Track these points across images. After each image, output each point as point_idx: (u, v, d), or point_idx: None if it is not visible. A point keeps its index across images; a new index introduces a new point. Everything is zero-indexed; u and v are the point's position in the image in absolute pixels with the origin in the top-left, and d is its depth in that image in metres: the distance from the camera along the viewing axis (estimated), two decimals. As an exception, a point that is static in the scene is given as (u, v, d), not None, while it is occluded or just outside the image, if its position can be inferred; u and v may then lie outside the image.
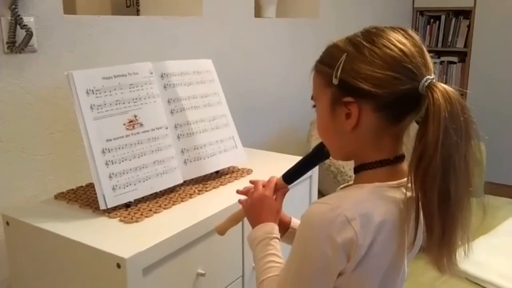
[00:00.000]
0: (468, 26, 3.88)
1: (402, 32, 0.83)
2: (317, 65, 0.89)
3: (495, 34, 3.73)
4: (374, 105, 0.81)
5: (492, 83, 3.72)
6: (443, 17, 4.00)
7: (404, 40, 0.81)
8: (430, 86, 0.78)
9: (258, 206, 1.04)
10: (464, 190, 0.80)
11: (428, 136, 0.76)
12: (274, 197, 1.06)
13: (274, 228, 1.00)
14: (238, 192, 1.13)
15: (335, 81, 0.82)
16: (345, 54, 0.82)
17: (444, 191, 0.78)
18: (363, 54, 0.81)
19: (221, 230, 1.13)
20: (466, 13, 3.89)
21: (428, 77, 0.79)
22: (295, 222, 1.12)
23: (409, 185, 0.81)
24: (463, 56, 3.95)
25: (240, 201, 1.10)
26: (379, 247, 0.81)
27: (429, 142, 0.76)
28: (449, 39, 4.00)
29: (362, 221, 0.79)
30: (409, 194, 0.84)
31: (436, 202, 0.78)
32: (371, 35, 0.83)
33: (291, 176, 1.08)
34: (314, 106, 0.91)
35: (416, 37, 0.84)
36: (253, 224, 1.03)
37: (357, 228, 0.78)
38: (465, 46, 3.92)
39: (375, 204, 0.82)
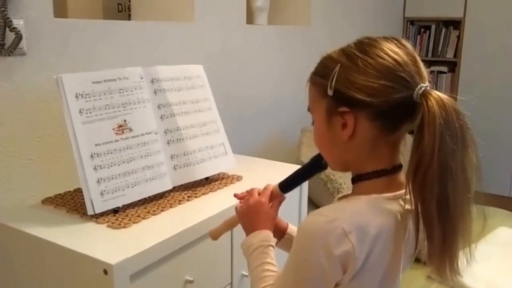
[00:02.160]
0: (458, 36, 3.92)
1: (395, 41, 0.84)
2: (312, 76, 0.89)
3: (484, 44, 3.77)
4: (369, 114, 0.81)
5: (481, 93, 3.76)
6: (433, 27, 4.04)
7: (397, 50, 0.82)
8: (425, 94, 0.79)
9: (253, 213, 1.03)
10: (463, 197, 0.80)
11: (424, 144, 0.77)
12: (270, 204, 1.05)
13: (269, 235, 1.00)
14: (235, 195, 1.12)
15: (329, 92, 0.83)
16: (339, 64, 0.83)
17: (443, 198, 0.78)
18: (356, 64, 0.82)
19: (215, 235, 1.12)
20: (456, 24, 3.93)
21: (422, 85, 0.80)
22: (292, 228, 1.12)
23: (407, 196, 0.81)
24: (452, 66, 3.99)
25: (235, 208, 1.09)
26: (374, 259, 0.81)
27: (425, 149, 0.77)
28: (439, 49, 4.03)
29: (358, 234, 0.79)
30: (407, 206, 0.84)
31: (435, 210, 0.78)
32: (364, 45, 0.84)
33: (288, 185, 1.07)
34: (312, 121, 0.92)
35: (409, 46, 0.84)
36: (248, 231, 1.02)
37: (354, 241, 0.78)
38: (454, 56, 3.96)
39: (371, 216, 0.82)
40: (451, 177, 0.78)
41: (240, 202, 1.08)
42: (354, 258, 0.78)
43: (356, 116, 0.82)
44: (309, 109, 0.92)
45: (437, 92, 0.79)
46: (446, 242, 0.80)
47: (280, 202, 1.08)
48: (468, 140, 0.79)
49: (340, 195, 0.95)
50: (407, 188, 0.80)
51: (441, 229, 0.79)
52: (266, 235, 0.99)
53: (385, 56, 0.81)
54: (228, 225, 1.11)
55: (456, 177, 0.78)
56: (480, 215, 0.87)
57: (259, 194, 1.06)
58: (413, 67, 0.81)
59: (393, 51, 0.82)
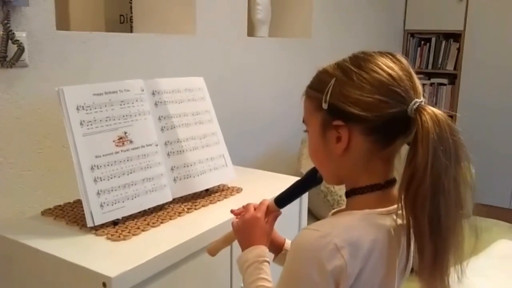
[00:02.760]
0: (458, 49, 3.93)
1: (390, 56, 0.85)
2: (307, 90, 0.90)
3: (484, 57, 3.78)
4: (364, 128, 0.82)
5: (481, 105, 3.76)
6: (433, 40, 4.05)
7: (391, 65, 0.82)
8: (419, 109, 0.79)
9: (248, 228, 1.03)
10: (455, 213, 0.80)
11: (418, 159, 0.77)
12: (266, 220, 1.05)
13: (264, 251, 0.99)
14: (232, 211, 1.12)
15: (324, 106, 0.84)
16: (334, 78, 0.83)
17: (434, 214, 0.78)
18: (351, 79, 0.82)
19: (212, 251, 1.11)
20: (456, 36, 3.95)
21: (416, 100, 0.80)
22: (289, 243, 1.10)
23: (399, 211, 0.81)
24: (452, 78, 4.00)
25: (231, 224, 1.09)
26: (367, 275, 0.81)
27: (419, 164, 0.77)
28: (439, 62, 4.04)
29: (351, 249, 0.78)
30: (399, 221, 0.83)
31: (426, 226, 0.78)
32: (359, 60, 0.84)
33: (284, 200, 1.07)
34: (306, 130, 0.92)
35: (404, 61, 0.85)
36: (244, 246, 1.02)
37: (346, 257, 0.78)
38: (455, 68, 3.97)
39: (364, 232, 0.82)
40: (443, 193, 0.78)
41: (237, 218, 1.08)
42: (346, 274, 0.78)
43: (350, 130, 0.82)
44: (304, 121, 0.92)
45: (431, 108, 0.79)
46: (437, 258, 0.80)
47: (276, 217, 1.07)
48: (461, 156, 0.79)
49: (334, 210, 0.95)
50: (400, 203, 0.80)
51: (432, 245, 0.79)
52: (262, 250, 0.99)
53: (379, 71, 0.81)
54: (226, 241, 1.11)
55: (448, 194, 0.78)
56: (473, 231, 0.87)
57: (255, 209, 1.06)
58: (408, 82, 0.82)
59: (388, 66, 0.82)
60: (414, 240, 0.81)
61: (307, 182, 1.04)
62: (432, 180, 0.76)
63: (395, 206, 0.83)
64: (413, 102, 0.80)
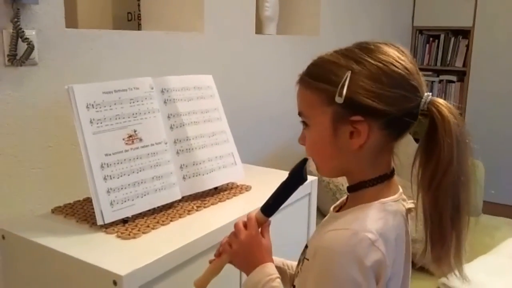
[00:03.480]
0: (467, 46, 3.91)
1: (396, 48, 0.83)
2: (309, 81, 0.85)
3: (493, 54, 3.75)
4: (382, 123, 0.80)
5: (490, 102, 3.74)
6: (442, 36, 4.03)
7: (402, 57, 0.82)
8: (433, 102, 0.79)
9: (248, 249, 0.97)
10: (468, 205, 0.81)
11: (443, 151, 0.77)
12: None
13: (272, 267, 0.95)
14: (215, 255, 1.03)
15: (339, 100, 0.80)
16: (349, 71, 0.80)
17: (456, 206, 0.79)
18: (369, 71, 0.79)
19: (202, 285, 1.00)
20: (465, 33, 3.92)
21: (428, 93, 0.80)
22: (277, 260, 1.05)
23: (407, 198, 0.83)
24: (461, 75, 3.98)
25: (222, 250, 1.01)
26: (398, 263, 0.82)
27: (444, 156, 0.77)
28: (448, 58, 4.02)
29: (383, 240, 0.78)
30: (407, 205, 0.86)
31: (448, 218, 0.79)
32: (372, 52, 0.81)
33: (271, 208, 1.00)
34: (304, 122, 0.89)
35: (408, 53, 0.84)
36: (248, 269, 0.96)
37: (382, 249, 0.77)
38: (463, 65, 3.95)
39: (387, 221, 0.82)
40: (464, 186, 0.79)
41: (222, 245, 1.01)
42: (386, 266, 0.77)
43: (369, 125, 0.80)
44: (300, 114, 0.89)
45: (441, 99, 0.80)
46: (457, 247, 0.81)
47: (268, 227, 1.02)
48: (470, 141, 0.80)
49: (335, 205, 0.94)
50: (418, 195, 0.81)
51: (453, 234, 0.80)
52: (270, 268, 0.95)
53: (396, 63, 0.80)
54: (214, 271, 1.01)
55: (468, 186, 0.79)
56: (487, 227, 0.89)
57: (244, 226, 0.99)
58: (417, 75, 0.82)
59: (400, 58, 0.81)
60: (431, 229, 0.81)
61: (291, 183, 0.99)
62: (457, 170, 0.77)
63: (400, 191, 0.86)
64: (425, 95, 0.80)
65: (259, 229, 1.00)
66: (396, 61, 0.80)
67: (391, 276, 0.80)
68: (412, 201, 0.88)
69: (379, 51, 0.81)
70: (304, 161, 0.97)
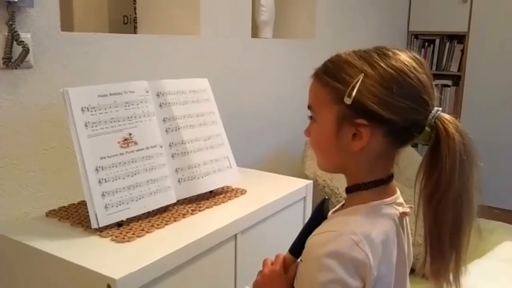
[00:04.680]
0: (462, 51, 3.93)
1: (414, 58, 0.83)
2: (323, 77, 0.85)
3: (488, 58, 3.77)
4: (386, 130, 0.81)
5: (485, 107, 3.75)
6: (437, 41, 4.05)
7: (419, 68, 0.82)
8: (440, 118, 0.80)
9: (268, 281, 0.98)
10: (471, 217, 0.81)
11: (444, 167, 0.77)
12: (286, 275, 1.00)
13: None
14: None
15: (347, 100, 0.80)
16: (362, 74, 0.80)
17: (457, 219, 0.79)
18: (382, 78, 0.80)
19: None
20: (460, 38, 3.94)
21: (437, 108, 0.81)
22: None
23: (411, 207, 0.83)
24: (457, 80, 3.99)
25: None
26: (385, 266, 0.81)
27: (445, 173, 0.78)
28: (443, 63, 4.04)
29: (368, 242, 0.79)
30: (401, 209, 0.86)
31: (448, 231, 0.79)
32: (389, 59, 0.81)
33: (298, 248, 0.99)
34: (311, 117, 0.89)
35: (426, 65, 0.84)
36: None
37: (366, 250, 0.78)
38: (459, 70, 3.97)
39: (375, 223, 0.82)
40: (467, 200, 0.79)
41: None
42: (370, 267, 0.78)
43: (372, 130, 0.81)
44: (309, 107, 0.89)
45: (448, 116, 0.80)
46: (456, 260, 0.81)
47: (296, 267, 1.01)
48: (476, 160, 0.80)
49: (333, 209, 0.95)
50: (418, 207, 0.81)
51: (452, 248, 0.80)
52: None
53: (411, 74, 0.80)
54: None
55: (471, 200, 0.80)
56: (481, 231, 0.88)
57: (271, 264, 1.01)
58: (430, 88, 0.82)
59: (416, 69, 0.81)
60: (430, 244, 0.81)
61: (314, 223, 0.99)
62: (459, 187, 0.77)
63: (395, 195, 0.86)
64: (434, 110, 0.80)
65: (288, 269, 1.00)
66: (411, 71, 0.80)
67: (378, 279, 0.80)
68: (409, 205, 0.89)
69: (395, 59, 0.81)
70: (323, 201, 0.98)
